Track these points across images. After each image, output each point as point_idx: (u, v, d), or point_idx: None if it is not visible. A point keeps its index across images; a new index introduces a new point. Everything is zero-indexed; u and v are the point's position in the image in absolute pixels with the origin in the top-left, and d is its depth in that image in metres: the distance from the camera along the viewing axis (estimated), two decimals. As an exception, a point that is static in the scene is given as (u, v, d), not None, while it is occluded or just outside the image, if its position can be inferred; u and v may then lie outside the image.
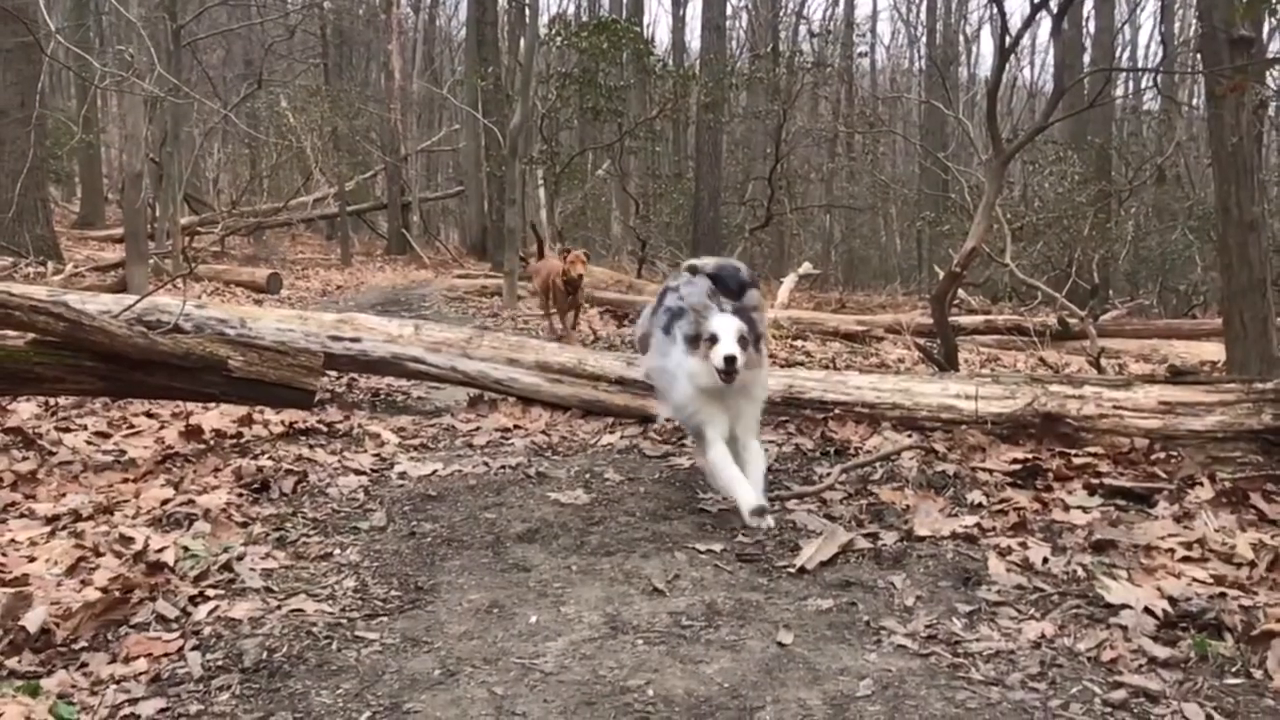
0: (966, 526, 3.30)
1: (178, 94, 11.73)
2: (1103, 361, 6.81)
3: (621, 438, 4.76)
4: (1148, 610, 2.62)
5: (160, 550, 3.02)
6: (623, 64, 16.77)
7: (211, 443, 4.45)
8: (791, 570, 3.03)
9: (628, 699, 2.25)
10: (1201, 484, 3.59)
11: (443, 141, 26.47)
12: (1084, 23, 21.95)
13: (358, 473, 4.13)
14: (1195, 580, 2.83)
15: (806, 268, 15.41)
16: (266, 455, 4.25)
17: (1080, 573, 2.94)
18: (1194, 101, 17.74)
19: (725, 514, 3.59)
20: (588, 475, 4.14)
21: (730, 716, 2.18)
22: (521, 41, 12.65)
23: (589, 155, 19.50)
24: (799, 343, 9.55)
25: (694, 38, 26.26)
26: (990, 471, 3.83)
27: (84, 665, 2.39)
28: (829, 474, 3.87)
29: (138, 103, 10.28)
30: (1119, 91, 19.78)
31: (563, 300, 8.36)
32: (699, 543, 3.29)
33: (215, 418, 4.80)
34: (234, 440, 4.54)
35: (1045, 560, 3.03)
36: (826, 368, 6.87)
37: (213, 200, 20.48)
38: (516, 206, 12.24)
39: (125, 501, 3.60)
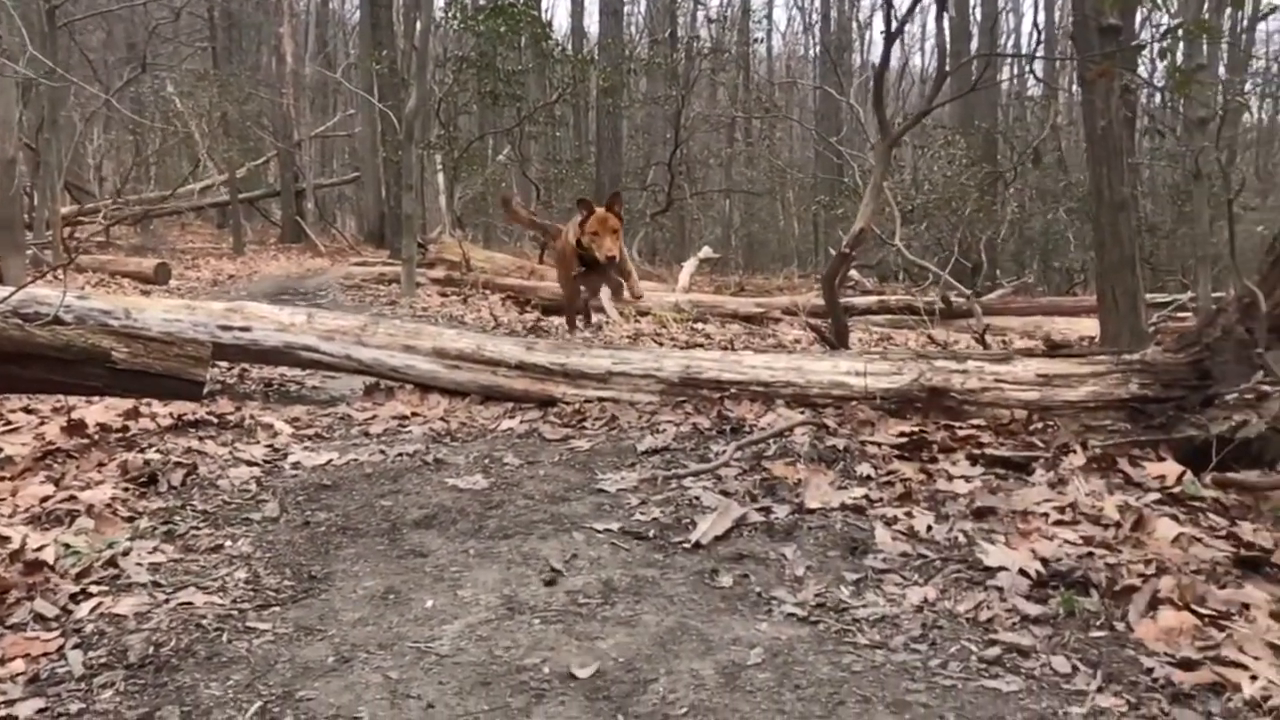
0: (855, 498, 3.41)
1: (53, 77, 11.23)
2: (988, 338, 7.07)
3: (521, 422, 4.76)
4: (1022, 571, 2.75)
5: (39, 548, 2.92)
6: (521, 48, 16.66)
7: (96, 437, 4.30)
8: (687, 546, 3.09)
9: (524, 677, 2.27)
10: (1074, 451, 3.77)
11: (337, 127, 25.91)
12: (970, 10, 22.61)
13: (250, 464, 4.04)
14: (1066, 542, 2.98)
15: (707, 252, 15.58)
16: (154, 448, 4.13)
17: (961, 539, 3.06)
18: (1073, 88, 18.42)
19: (623, 493, 3.64)
20: (487, 460, 4.13)
21: (625, 689, 2.22)
22: (417, 24, 12.43)
23: (489, 140, 19.33)
24: (699, 325, 9.66)
25: (593, 22, 26.17)
26: (879, 445, 3.95)
27: (-43, 669, 2.31)
28: (724, 451, 3.94)
29: (9, 85, 9.82)
30: (1004, 78, 20.40)
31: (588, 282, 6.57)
32: (597, 522, 3.32)
33: (100, 411, 4.63)
34: (120, 434, 4.40)
35: (929, 528, 3.15)
36: (725, 349, 6.96)
37: (95, 188, 19.68)
38: (413, 193, 12.08)
39: (1, 500, 3.46)
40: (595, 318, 8.50)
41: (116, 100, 17.15)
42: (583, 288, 7.03)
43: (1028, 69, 14.01)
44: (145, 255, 14.88)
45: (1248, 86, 19.35)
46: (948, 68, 5.58)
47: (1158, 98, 16.12)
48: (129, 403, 4.68)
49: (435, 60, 15.29)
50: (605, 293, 8.40)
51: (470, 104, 17.75)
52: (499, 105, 15.83)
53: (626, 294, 6.12)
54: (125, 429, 4.47)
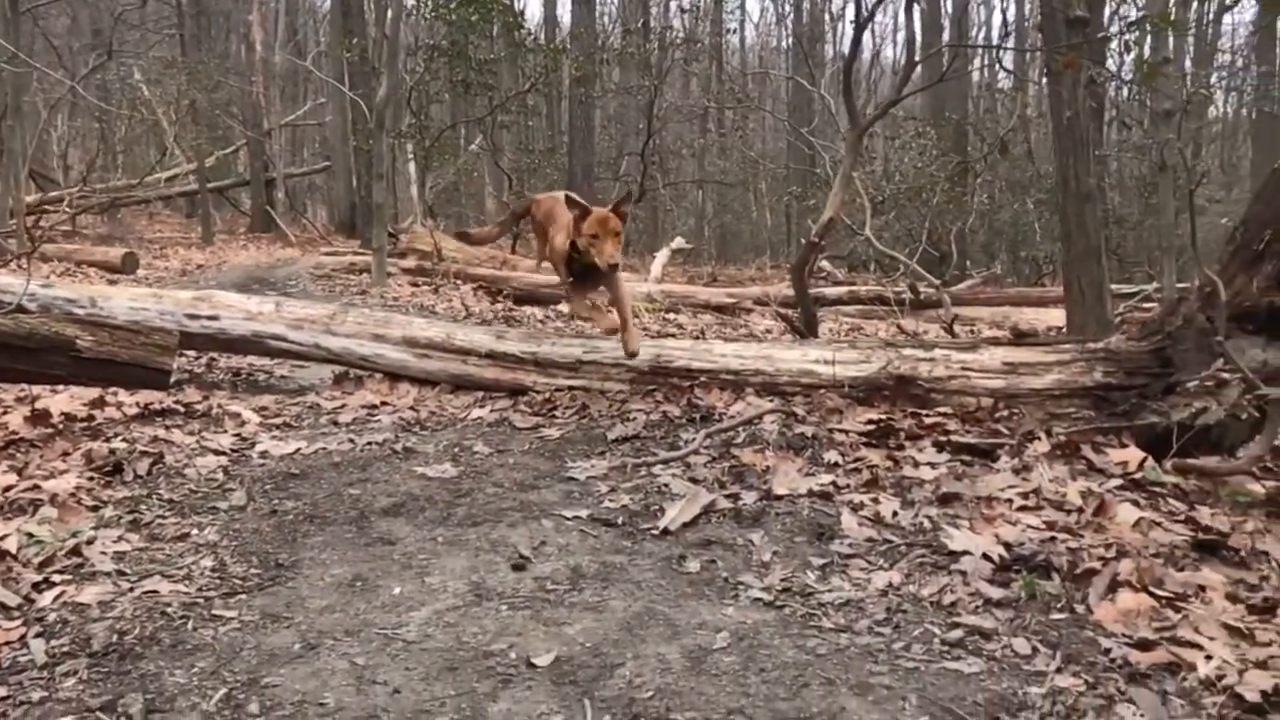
0: (823, 484, 3.43)
1: (16, 63, 11.06)
2: (956, 328, 7.12)
3: (492, 411, 4.76)
4: (985, 556, 2.78)
5: (1, 538, 2.89)
6: (493, 37, 16.55)
7: (60, 426, 4.26)
8: (655, 532, 3.10)
9: (490, 663, 2.28)
10: (1039, 439, 3.82)
11: (308, 116, 25.70)
12: (941, 3, 22.72)
13: (217, 453, 4.02)
14: (1030, 527, 3.01)
15: (679, 243, 15.61)
16: (120, 437, 4.10)
17: (927, 524, 3.10)
18: (1042, 80, 18.57)
19: (592, 481, 3.65)
20: (456, 449, 4.13)
21: (591, 674, 2.23)
22: (388, 12, 12.33)
23: (461, 129, 19.22)
24: (671, 315, 9.68)
25: (565, 11, 26.07)
26: (846, 432, 3.98)
27: (-83, 658, 2.29)
28: (694, 439, 3.96)
29: (-30, 72, 9.67)
30: (975, 67, 20.55)
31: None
32: (566, 510, 3.33)
33: (65, 401, 4.59)
34: (85, 423, 4.36)
35: (895, 514, 3.18)
36: (696, 339, 6.98)
37: (61, 176, 19.41)
38: (384, 182, 12.00)
39: (-38, 490, 3.42)
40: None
41: (82, 87, 16.92)
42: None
43: (996, 61, 14.11)
44: (112, 244, 14.69)
45: (1213, 80, 19.57)
46: (917, 58, 5.60)
47: (1125, 90, 16.28)
48: (94, 392, 4.64)
49: (406, 49, 15.20)
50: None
51: (442, 93, 17.63)
52: (471, 94, 15.73)
53: (617, 340, 4.71)
54: (90, 418, 4.42)
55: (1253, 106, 20.77)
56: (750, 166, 22.86)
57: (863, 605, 2.58)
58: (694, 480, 3.58)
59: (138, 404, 4.65)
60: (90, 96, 18.73)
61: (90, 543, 2.95)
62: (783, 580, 2.72)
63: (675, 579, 2.76)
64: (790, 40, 29.71)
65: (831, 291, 11.83)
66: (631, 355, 4.53)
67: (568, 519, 3.24)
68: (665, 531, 3.10)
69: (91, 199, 17.92)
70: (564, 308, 8.82)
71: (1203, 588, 2.55)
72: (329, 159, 22.77)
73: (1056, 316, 9.58)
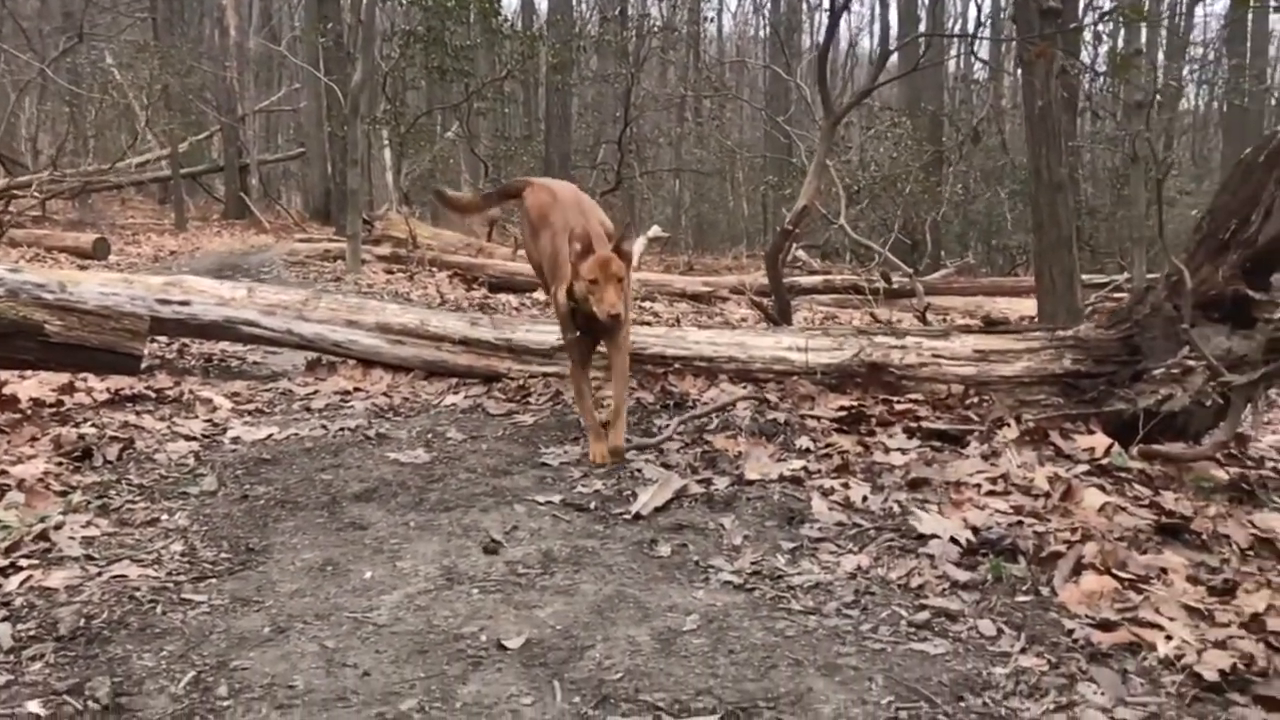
0: (794, 470, 3.46)
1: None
2: (930, 316, 7.17)
3: (465, 397, 4.75)
4: (953, 539, 2.82)
5: (-33, 523, 2.87)
6: (469, 23, 16.46)
7: (29, 412, 4.21)
8: (627, 517, 3.12)
9: (461, 645, 2.29)
10: (1009, 425, 3.86)
11: (282, 101, 25.39)
12: (918, -7, 22.77)
13: (188, 438, 4.00)
14: (997, 511, 3.05)
15: (656, 231, 15.58)
16: (90, 423, 4.07)
17: (896, 509, 3.13)
18: (1017, 71, 18.67)
19: (565, 466, 3.66)
20: (429, 435, 4.12)
21: (561, 656, 2.24)
22: (363, -3, 12.23)
23: (437, 116, 19.11)
24: (647, 304, 9.69)
25: (543, -1, 25.93)
26: (818, 419, 4.00)
27: (-119, 643, 2.27)
28: (668, 425, 3.97)
29: (-64, 53, 9.51)
30: (951, 59, 20.60)
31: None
32: (539, 495, 3.34)
33: (34, 386, 4.54)
34: (54, 409, 4.32)
35: (865, 498, 3.21)
36: (670, 326, 6.99)
37: (30, 161, 19.13)
38: (359, 168, 11.93)
39: (-72, 475, 3.39)
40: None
41: (52, 70, 16.69)
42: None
43: (972, 52, 14.19)
44: (83, 230, 14.52)
45: (1185, 72, 19.75)
46: (890, 46, 5.62)
47: (1099, 82, 16.40)
48: (64, 377, 4.60)
49: (382, 34, 15.09)
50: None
51: (418, 79, 17.54)
52: (447, 81, 15.65)
53: (609, 374, 4.09)
54: (60, 404, 4.39)
55: (1224, 100, 20.98)
56: (727, 155, 22.88)
57: (831, 588, 2.60)
58: (667, 466, 3.59)
59: (108, 389, 4.62)
60: (60, 80, 18.44)
61: (58, 528, 2.93)
62: (753, 564, 2.74)
63: (646, 562, 2.78)
64: (767, 29, 29.72)
65: (807, 280, 11.87)
66: (613, 455, 3.70)
67: (540, 504, 3.25)
68: (637, 516, 3.11)
69: (62, 184, 17.68)
70: (540, 295, 8.79)
71: (1165, 570, 2.60)
72: (303, 145, 22.57)
73: (1029, 306, 9.65)
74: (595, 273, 3.66)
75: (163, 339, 5.75)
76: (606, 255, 3.69)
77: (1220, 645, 2.22)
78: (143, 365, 4.85)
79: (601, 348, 4.08)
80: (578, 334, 3.99)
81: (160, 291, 5.28)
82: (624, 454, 3.71)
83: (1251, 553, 2.82)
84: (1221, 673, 2.10)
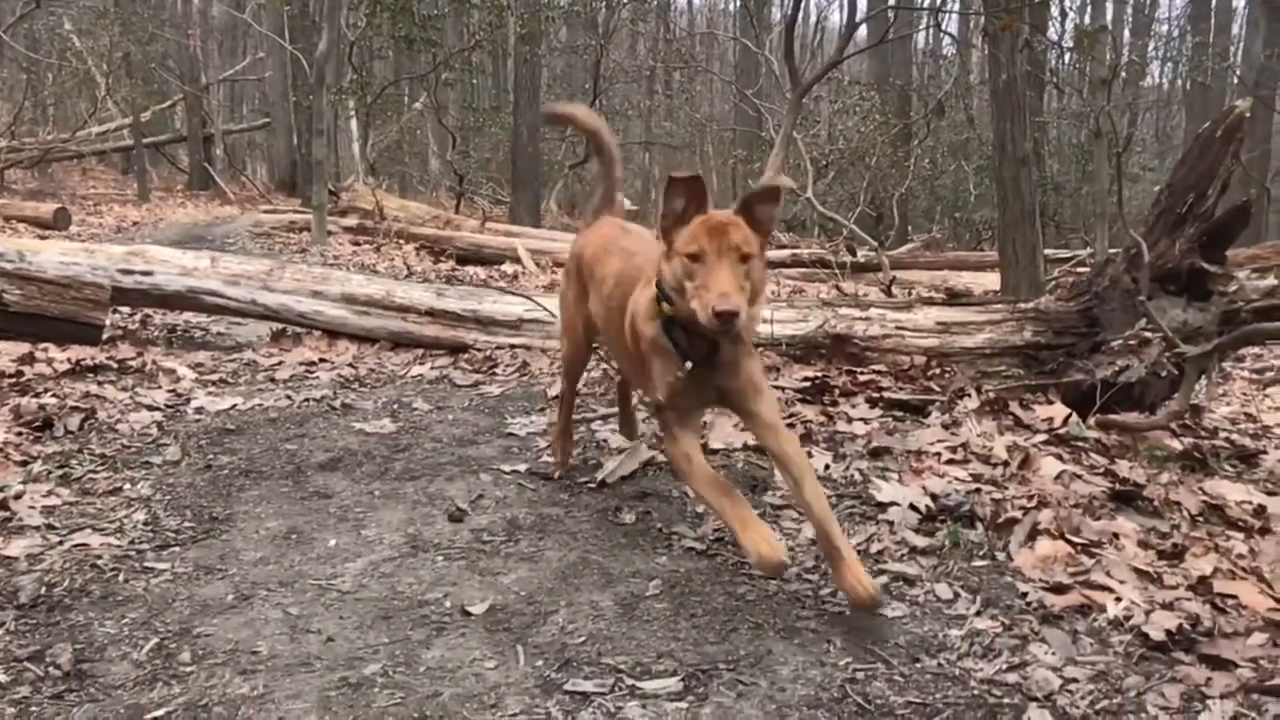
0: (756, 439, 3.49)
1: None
2: (895, 290, 7.23)
3: (432, 368, 4.75)
4: (912, 506, 2.86)
5: (-75, 493, 2.85)
6: (437, -8, 16.30)
7: (-14, 382, 4.17)
8: (592, 485, 3.14)
9: (425, 611, 2.30)
10: (969, 395, 3.91)
11: (247, 70, 25.01)
12: (889, -33, 22.72)
13: (151, 409, 3.97)
14: (956, 479, 3.10)
15: (625, 204, 15.54)
16: (50, 393, 4.02)
17: (858, 476, 3.17)
18: (985, 46, 18.73)
19: (532, 436, 3.67)
20: (395, 405, 4.12)
21: (525, 621, 2.26)
22: (327, -36, 12.05)
23: (404, 86, 18.91)
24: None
25: (511, -32, 25.60)
26: (783, 389, 4.03)
27: None
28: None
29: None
30: (920, 30, 20.61)
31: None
32: (505, 464, 3.35)
33: (-9, 357, 4.49)
34: (13, 379, 4.26)
35: (827, 467, 3.24)
36: (639, 299, 7.00)
37: (-14, 129, 18.73)
38: (325, 139, 11.81)
39: (-115, 445, 3.35)
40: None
41: (9, 36, 16.33)
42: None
43: (938, 24, 14.20)
44: (43, 200, 14.27)
45: (1149, 48, 19.91)
46: (858, 19, 5.63)
47: (1064, 58, 16.49)
48: (24, 347, 4.54)
49: (348, 2, 14.87)
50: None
51: (385, 49, 17.33)
52: (414, 50, 15.51)
53: (787, 474, 2.45)
54: (19, 374, 4.33)
55: (1187, 77, 21.16)
56: (697, 129, 22.83)
57: (793, 553, 2.64)
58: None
59: (69, 360, 4.56)
60: (18, 46, 18.06)
61: (18, 497, 2.91)
62: (715, 530, 2.77)
63: (611, 530, 2.80)
64: (737, 2, 29.57)
65: (774, 254, 11.90)
66: (871, 605, 2.23)
67: (506, 473, 3.27)
68: (602, 484, 3.13)
69: (20, 153, 17.36)
70: (509, 268, 8.75)
71: (1117, 535, 2.65)
72: (268, 115, 22.26)
73: (993, 280, 9.73)
74: (701, 240, 2.26)
75: (125, 309, 5.69)
76: (723, 219, 2.31)
77: (1168, 606, 2.28)
78: (104, 335, 4.80)
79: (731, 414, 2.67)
80: (677, 374, 2.44)
81: (122, 261, 5.22)
82: (879, 602, 2.26)
83: (1201, 519, 2.89)
84: (1168, 632, 2.16)
